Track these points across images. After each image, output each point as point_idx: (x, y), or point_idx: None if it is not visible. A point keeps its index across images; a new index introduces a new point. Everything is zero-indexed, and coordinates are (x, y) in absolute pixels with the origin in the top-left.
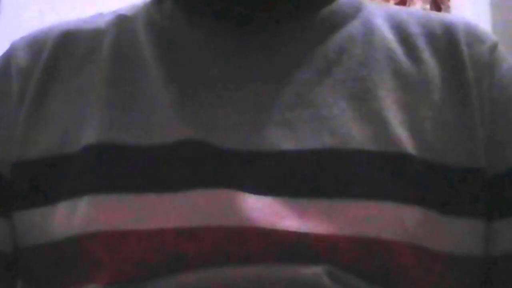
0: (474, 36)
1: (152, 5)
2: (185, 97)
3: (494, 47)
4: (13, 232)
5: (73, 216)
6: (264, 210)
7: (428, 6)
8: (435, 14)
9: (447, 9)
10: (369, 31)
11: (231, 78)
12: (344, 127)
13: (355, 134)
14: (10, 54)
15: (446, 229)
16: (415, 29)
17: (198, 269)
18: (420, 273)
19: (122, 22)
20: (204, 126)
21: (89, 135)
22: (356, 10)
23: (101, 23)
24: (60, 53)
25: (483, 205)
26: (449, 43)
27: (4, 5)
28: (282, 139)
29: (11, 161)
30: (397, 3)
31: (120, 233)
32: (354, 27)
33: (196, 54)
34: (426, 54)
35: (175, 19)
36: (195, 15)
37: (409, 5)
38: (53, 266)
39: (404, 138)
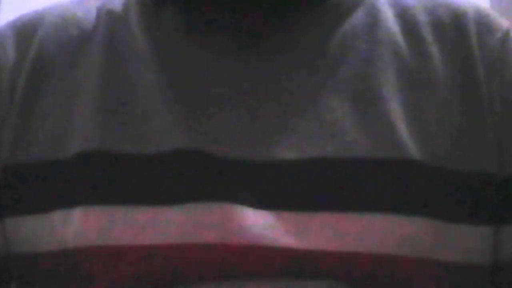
0: (485, 25)
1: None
2: (182, 103)
3: (506, 37)
4: (5, 236)
5: (66, 228)
6: (264, 226)
7: None
8: None
9: None
10: (374, 22)
11: (230, 84)
12: (347, 133)
13: (358, 140)
14: None
15: (453, 237)
16: (421, 17)
17: (193, 286)
18: (427, 285)
19: (113, 10)
20: (201, 134)
21: (82, 141)
22: None
23: (92, 7)
24: (51, 46)
25: (491, 210)
26: (458, 34)
27: (4, 3)
28: (283, 148)
29: (1, 164)
30: None
31: (114, 248)
32: (358, 17)
33: (194, 57)
34: (433, 48)
35: (172, 19)
36: (195, 16)
37: None
38: (45, 278)
39: (410, 143)
